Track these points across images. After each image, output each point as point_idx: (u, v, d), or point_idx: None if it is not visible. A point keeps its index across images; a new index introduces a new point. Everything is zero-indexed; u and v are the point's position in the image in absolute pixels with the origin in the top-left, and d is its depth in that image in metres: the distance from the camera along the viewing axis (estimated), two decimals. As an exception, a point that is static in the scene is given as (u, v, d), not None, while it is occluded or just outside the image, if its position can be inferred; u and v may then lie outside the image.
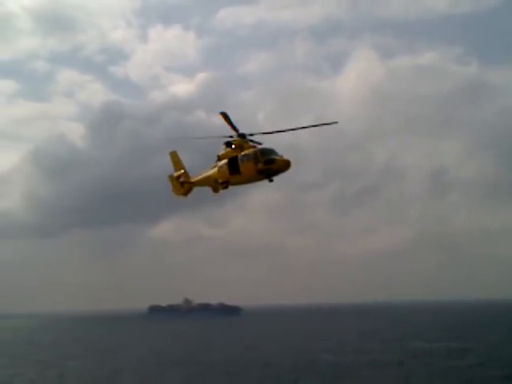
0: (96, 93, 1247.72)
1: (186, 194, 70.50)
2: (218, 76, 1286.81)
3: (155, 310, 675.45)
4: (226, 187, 63.81)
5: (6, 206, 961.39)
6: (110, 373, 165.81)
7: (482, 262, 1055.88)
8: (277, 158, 59.41)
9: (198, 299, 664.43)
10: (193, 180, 69.66)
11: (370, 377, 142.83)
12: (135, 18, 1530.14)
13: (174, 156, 71.83)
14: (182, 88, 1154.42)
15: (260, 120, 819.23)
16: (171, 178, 71.44)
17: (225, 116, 59.39)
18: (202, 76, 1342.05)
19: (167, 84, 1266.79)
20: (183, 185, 70.24)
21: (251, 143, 62.28)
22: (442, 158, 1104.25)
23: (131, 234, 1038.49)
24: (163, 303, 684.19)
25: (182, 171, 70.67)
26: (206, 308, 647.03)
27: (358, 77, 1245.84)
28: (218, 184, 64.18)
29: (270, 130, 61.37)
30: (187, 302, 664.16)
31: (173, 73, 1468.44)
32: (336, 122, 59.78)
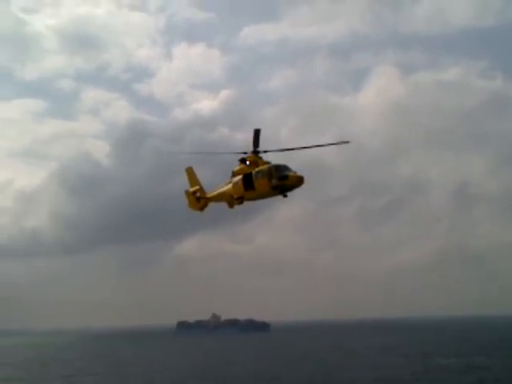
0: (121, 111, 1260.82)
1: (201, 209, 72.10)
2: (242, 93, 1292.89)
3: (183, 325, 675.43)
4: (241, 202, 65.50)
5: (33, 225, 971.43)
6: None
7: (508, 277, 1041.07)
8: (290, 174, 60.92)
9: (225, 315, 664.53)
10: (208, 195, 71.31)
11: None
12: (160, 37, 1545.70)
13: (190, 172, 73.53)
14: (206, 105, 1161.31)
15: (283, 136, 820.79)
16: (187, 193, 73.17)
17: (257, 133, 60.94)
18: (225, 93, 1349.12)
19: (191, 101, 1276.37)
20: (199, 200, 71.90)
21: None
22: (466, 172, 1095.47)
23: (157, 251, 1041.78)
24: (191, 319, 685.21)
25: (198, 187, 72.41)
26: (233, 324, 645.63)
27: (379, 93, 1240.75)
28: (233, 199, 65.76)
29: (292, 147, 63.16)
30: (215, 317, 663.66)
31: (197, 90, 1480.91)
32: (347, 142, 61.75)
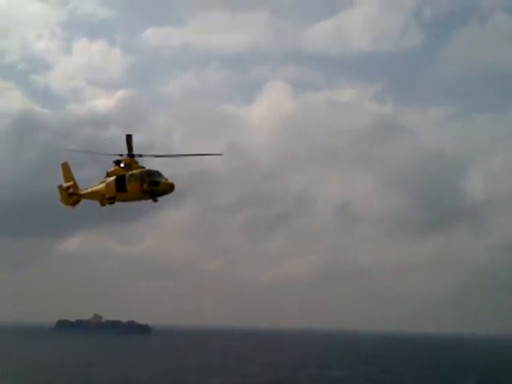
0: (14, 101, 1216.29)
1: (73, 204, 72.81)
2: (139, 94, 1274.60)
3: (63, 324, 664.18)
4: (113, 203, 66.86)
5: None
6: None
7: (387, 295, 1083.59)
8: (162, 180, 62.84)
9: (107, 316, 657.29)
10: (81, 192, 71.92)
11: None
12: (60, 30, 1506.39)
13: (65, 167, 73.85)
14: (101, 103, 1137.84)
15: (175, 141, 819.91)
16: (60, 188, 73.25)
17: (129, 138, 62.02)
18: (121, 93, 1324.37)
19: (87, 98, 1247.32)
20: (71, 196, 72.39)
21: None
22: (352, 191, 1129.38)
23: (39, 248, 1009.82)
24: (72, 318, 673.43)
25: (72, 183, 72.74)
26: (115, 325, 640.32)
27: (272, 107, 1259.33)
28: (104, 199, 66.92)
29: (181, 153, 64.99)
30: (97, 317, 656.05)
31: (94, 87, 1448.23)
32: (221, 154, 65.26)
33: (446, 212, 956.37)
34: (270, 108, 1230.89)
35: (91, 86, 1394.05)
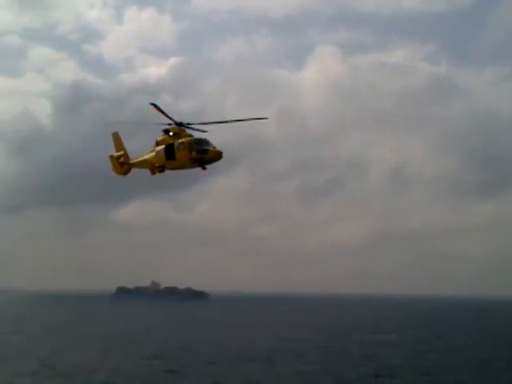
0: (67, 71, 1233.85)
1: (125, 173, 74.41)
2: (190, 61, 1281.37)
3: (122, 291, 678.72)
4: (163, 171, 67.94)
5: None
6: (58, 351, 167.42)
7: (441, 259, 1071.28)
8: (210, 148, 63.65)
9: (165, 283, 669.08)
10: (132, 161, 73.31)
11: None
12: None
13: (116, 137, 75.38)
14: (153, 71, 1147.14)
15: (227, 107, 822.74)
16: (112, 157, 74.84)
17: (156, 107, 62.75)
18: (173, 60, 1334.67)
19: (139, 66, 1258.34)
20: (122, 165, 74.15)
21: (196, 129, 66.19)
22: (405, 153, 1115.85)
23: (97, 215, 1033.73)
24: (131, 285, 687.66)
25: (123, 152, 74.25)
26: (172, 292, 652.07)
27: (322, 72, 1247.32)
28: (154, 167, 68.25)
29: (227, 119, 65.48)
30: (155, 284, 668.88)
31: (146, 55, 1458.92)
32: (266, 118, 65.41)
33: (502, 173, 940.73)
34: (320, 72, 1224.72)
35: (142, 55, 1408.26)
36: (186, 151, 63.84)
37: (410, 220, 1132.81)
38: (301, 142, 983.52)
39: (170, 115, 64.09)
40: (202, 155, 63.01)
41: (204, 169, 64.68)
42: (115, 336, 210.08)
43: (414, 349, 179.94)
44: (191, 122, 66.31)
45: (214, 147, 63.61)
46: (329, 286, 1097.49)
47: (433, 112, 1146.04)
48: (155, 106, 61.64)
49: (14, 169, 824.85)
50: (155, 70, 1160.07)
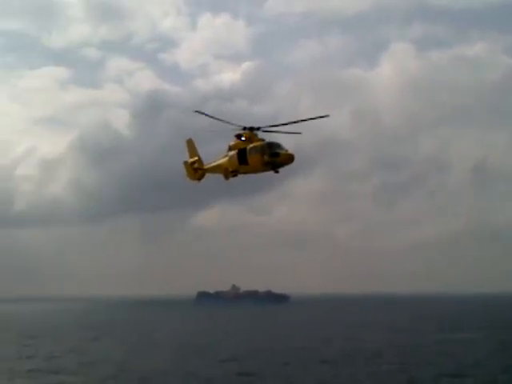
0: (145, 80, 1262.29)
1: (199, 179, 76.39)
2: (264, 65, 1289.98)
3: (203, 296, 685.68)
4: (236, 175, 69.60)
5: (53, 193, 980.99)
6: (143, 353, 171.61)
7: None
8: (281, 152, 64.70)
9: (245, 286, 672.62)
10: (205, 167, 75.13)
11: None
12: (185, 6, 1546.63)
13: (190, 144, 77.51)
14: (228, 76, 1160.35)
15: (301, 110, 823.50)
16: (186, 164, 76.84)
17: (202, 113, 63.29)
18: (246, 65, 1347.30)
19: (214, 72, 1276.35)
20: (197, 171, 75.74)
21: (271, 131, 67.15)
22: (488, 148, 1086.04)
23: (177, 221, 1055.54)
24: (211, 289, 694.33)
25: (196, 158, 76.13)
26: (253, 295, 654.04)
27: (397, 69, 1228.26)
28: (228, 172, 69.61)
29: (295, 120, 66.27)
30: (235, 288, 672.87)
31: (221, 61, 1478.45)
32: (327, 116, 65.34)
33: None
34: (396, 69, 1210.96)
35: (217, 60, 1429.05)
36: (258, 155, 65.12)
37: (496, 216, 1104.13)
38: (378, 141, 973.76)
39: (220, 118, 65.00)
40: (274, 159, 64.03)
41: (277, 172, 65.74)
42: (194, 340, 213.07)
43: (494, 347, 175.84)
44: (263, 125, 67.39)
45: (286, 150, 64.67)
46: (412, 285, 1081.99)
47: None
48: (201, 112, 63.00)
49: (96, 179, 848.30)
50: (229, 75, 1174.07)
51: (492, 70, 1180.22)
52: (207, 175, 74.56)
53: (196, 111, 62.53)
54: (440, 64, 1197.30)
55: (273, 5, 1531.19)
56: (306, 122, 65.82)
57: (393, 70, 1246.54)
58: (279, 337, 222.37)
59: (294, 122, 65.00)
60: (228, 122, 64.93)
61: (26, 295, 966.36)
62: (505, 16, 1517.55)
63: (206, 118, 62.72)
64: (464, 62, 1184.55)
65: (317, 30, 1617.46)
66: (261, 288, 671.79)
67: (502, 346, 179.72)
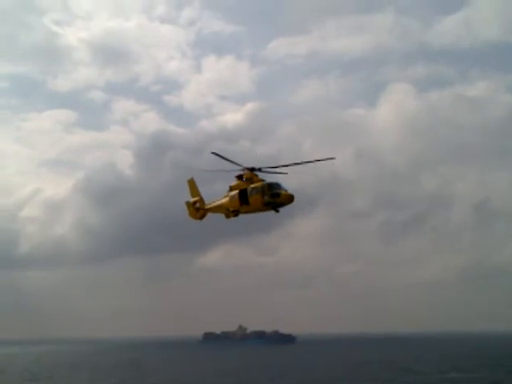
0: (150, 122, 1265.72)
1: (200, 218, 77.30)
2: (267, 105, 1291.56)
3: (210, 336, 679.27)
4: (237, 215, 70.50)
5: (58, 235, 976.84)
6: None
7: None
8: (282, 192, 65.58)
9: (252, 327, 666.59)
10: (207, 207, 75.95)
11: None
12: (189, 49, 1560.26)
13: (192, 183, 78.54)
14: (231, 117, 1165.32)
15: (304, 151, 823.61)
16: (188, 203, 78.00)
17: (218, 155, 64.57)
18: (250, 106, 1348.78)
19: (218, 113, 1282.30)
20: (198, 210, 76.32)
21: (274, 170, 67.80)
22: (490, 188, 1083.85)
23: (181, 262, 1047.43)
24: (217, 330, 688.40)
25: (198, 198, 77.17)
26: (260, 336, 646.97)
27: (398, 109, 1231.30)
28: (229, 212, 70.23)
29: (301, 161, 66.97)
30: (241, 329, 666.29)
31: (225, 102, 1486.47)
32: (333, 158, 66.17)
33: None
34: (396, 109, 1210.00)
35: (222, 102, 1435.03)
36: (259, 195, 66.14)
37: (498, 255, 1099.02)
38: (380, 180, 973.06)
39: (234, 161, 66.07)
40: (275, 199, 65.28)
41: (277, 211, 66.30)
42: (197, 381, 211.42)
43: None
44: (264, 166, 68.14)
45: (286, 190, 65.53)
46: (419, 325, 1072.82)
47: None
48: (216, 154, 63.85)
49: (100, 220, 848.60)
50: (233, 116, 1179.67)
51: (494, 110, 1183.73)
52: (209, 215, 75.44)
53: (213, 153, 63.58)
54: (442, 103, 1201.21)
55: (276, 46, 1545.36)
56: (309, 163, 67.08)
57: (394, 110, 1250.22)
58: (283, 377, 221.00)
59: (296, 164, 66.06)
60: (239, 164, 65.90)
61: (28, 338, 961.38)
62: (507, 55, 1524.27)
63: (208, 158, 63.53)
64: (466, 101, 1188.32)
65: (319, 72, 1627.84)
66: (268, 328, 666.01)
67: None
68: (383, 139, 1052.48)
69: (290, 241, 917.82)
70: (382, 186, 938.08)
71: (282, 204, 66.12)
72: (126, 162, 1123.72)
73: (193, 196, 77.99)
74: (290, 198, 65.80)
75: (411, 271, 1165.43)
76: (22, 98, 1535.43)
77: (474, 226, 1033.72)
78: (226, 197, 71.70)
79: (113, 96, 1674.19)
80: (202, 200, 77.22)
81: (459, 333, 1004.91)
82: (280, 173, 67.80)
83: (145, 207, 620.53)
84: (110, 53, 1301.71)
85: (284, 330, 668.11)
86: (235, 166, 67.45)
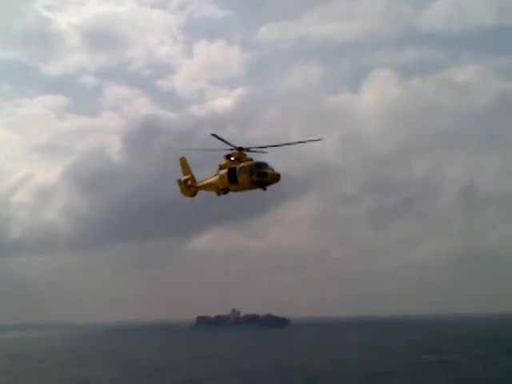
0: (141, 107, 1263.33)
1: (192, 195, 79.35)
2: (257, 90, 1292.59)
3: (203, 320, 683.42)
4: (226, 193, 72.61)
5: (48, 220, 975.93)
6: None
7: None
8: (269, 171, 67.97)
9: (245, 311, 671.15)
10: (198, 184, 77.99)
11: None
12: (181, 34, 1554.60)
13: (183, 161, 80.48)
14: (220, 103, 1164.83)
15: (291, 136, 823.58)
16: (179, 181, 79.95)
17: (216, 136, 67.01)
18: (239, 91, 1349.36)
19: (209, 98, 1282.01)
20: (190, 188, 78.79)
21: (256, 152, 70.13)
22: (478, 173, 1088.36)
23: (171, 247, 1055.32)
24: (211, 314, 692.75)
25: (189, 176, 79.09)
26: (253, 319, 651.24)
27: (385, 94, 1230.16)
28: (219, 190, 72.66)
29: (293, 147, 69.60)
30: (235, 312, 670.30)
31: (216, 86, 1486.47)
32: (320, 139, 68.68)
33: None
34: (383, 94, 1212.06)
35: (213, 86, 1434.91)
36: (247, 175, 68.14)
37: (485, 240, 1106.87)
38: (368, 165, 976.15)
39: (230, 142, 68.42)
40: (262, 178, 67.33)
41: (264, 189, 68.95)
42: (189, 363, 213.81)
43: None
44: (251, 147, 70.46)
45: (273, 170, 67.91)
46: (408, 307, 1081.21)
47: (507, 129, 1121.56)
48: (215, 136, 66.19)
49: (90, 205, 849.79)
50: (222, 102, 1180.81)
51: (483, 95, 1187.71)
52: (199, 196, 77.58)
53: (212, 134, 65.80)
54: (429, 89, 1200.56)
55: (267, 31, 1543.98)
56: (297, 145, 69.44)
57: (381, 95, 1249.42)
58: (277, 359, 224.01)
59: (285, 144, 68.39)
60: (233, 145, 68.11)
61: (21, 323, 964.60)
62: (498, 39, 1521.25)
63: (197, 143, 65.88)
64: (454, 86, 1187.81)
65: (309, 56, 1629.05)
66: (261, 312, 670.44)
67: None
68: (369, 125, 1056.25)
69: (279, 225, 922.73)
70: (369, 171, 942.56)
71: (270, 183, 68.31)
72: (117, 147, 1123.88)
73: (184, 174, 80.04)
74: (276, 177, 67.99)
75: (401, 255, 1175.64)
76: (13, 83, 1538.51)
77: (463, 209, 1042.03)
78: (216, 175, 73.65)
79: (104, 81, 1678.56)
80: (193, 178, 79.32)
81: (450, 315, 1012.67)
82: (266, 152, 69.96)
83: (137, 192, 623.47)
84: (101, 38, 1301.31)
85: (277, 313, 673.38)
86: (227, 146, 69.46)
